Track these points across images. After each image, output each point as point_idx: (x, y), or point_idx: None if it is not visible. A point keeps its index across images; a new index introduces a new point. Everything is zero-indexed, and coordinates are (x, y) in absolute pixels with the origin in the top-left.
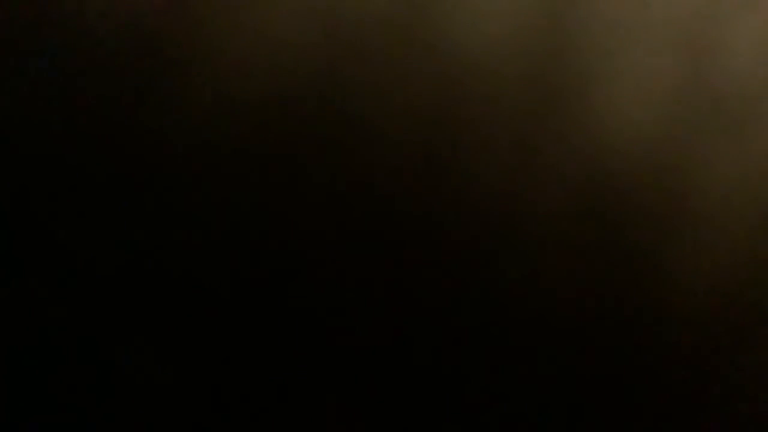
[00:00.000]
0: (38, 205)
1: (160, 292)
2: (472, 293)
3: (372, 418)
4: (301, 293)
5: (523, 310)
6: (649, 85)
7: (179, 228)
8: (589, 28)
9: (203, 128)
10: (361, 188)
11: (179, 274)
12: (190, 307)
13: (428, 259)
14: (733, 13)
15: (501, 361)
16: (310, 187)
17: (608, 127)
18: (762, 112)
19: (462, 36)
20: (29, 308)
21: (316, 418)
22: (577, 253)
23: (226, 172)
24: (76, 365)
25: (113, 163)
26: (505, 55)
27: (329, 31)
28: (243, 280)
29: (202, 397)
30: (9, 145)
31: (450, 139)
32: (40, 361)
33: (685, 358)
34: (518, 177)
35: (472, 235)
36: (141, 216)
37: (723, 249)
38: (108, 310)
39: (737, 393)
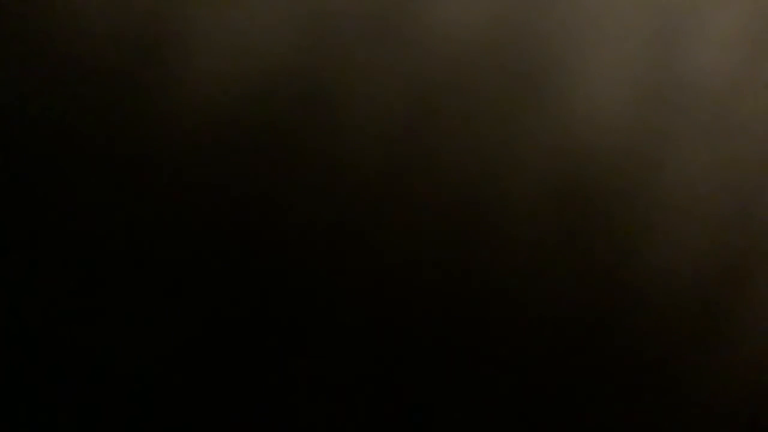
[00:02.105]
0: (33, 202)
1: (155, 292)
2: (447, 284)
3: (368, 417)
4: (295, 293)
5: (496, 300)
6: (621, 78)
7: (166, 227)
8: (563, 21)
9: (185, 124)
10: (341, 181)
11: (171, 272)
12: (184, 304)
13: (407, 248)
14: (705, 6)
15: (476, 353)
16: (293, 182)
17: (581, 120)
18: (734, 106)
19: (439, 29)
20: (27, 304)
21: (314, 416)
22: (548, 248)
23: (211, 169)
24: (74, 362)
25: (103, 159)
26: (480, 46)
27: (307, 26)
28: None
29: (200, 396)
30: (6, 142)
31: (426, 131)
32: (38, 359)
33: (655, 355)
34: (492, 170)
35: (447, 226)
36: (134, 216)
37: (692, 246)
38: (105, 308)
39: (708, 389)
